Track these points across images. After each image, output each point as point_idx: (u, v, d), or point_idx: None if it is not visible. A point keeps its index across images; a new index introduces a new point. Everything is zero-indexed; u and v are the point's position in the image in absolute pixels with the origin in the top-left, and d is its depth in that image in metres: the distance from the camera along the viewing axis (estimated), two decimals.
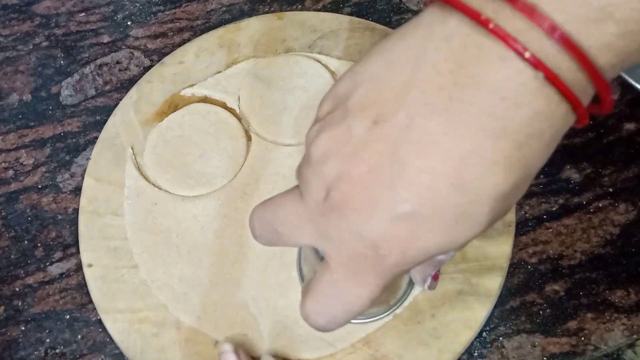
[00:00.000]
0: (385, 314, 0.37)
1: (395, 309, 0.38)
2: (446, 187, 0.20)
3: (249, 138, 0.44)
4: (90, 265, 0.40)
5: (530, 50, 0.19)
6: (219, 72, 0.46)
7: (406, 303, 0.38)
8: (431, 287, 0.30)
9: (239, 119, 0.44)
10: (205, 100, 0.46)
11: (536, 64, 0.19)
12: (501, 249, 0.39)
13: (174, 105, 0.45)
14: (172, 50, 0.48)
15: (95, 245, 0.41)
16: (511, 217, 0.40)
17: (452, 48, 0.20)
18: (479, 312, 0.38)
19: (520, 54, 0.19)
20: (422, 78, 0.21)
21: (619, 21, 0.19)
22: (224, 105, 0.45)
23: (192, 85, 0.46)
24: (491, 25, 0.19)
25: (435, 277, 0.30)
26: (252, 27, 0.48)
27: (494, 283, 0.38)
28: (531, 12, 0.19)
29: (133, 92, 0.46)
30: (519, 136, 0.20)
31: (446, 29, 0.21)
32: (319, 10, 0.50)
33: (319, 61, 0.46)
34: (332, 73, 0.46)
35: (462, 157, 0.20)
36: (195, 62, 0.47)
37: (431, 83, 0.21)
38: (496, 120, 0.20)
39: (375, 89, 0.22)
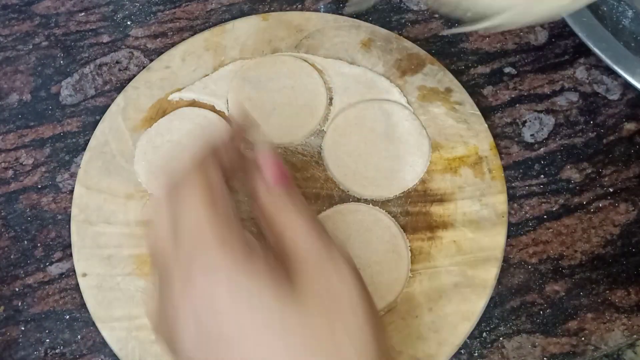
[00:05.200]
0: None
1: None
2: None
3: None
4: (84, 275, 0.40)
5: None
6: (207, 75, 0.46)
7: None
8: None
9: (228, 121, 0.44)
10: (193, 104, 0.45)
11: None
12: (495, 239, 0.39)
13: (162, 110, 0.45)
14: None
15: (89, 254, 0.40)
16: (504, 207, 0.40)
17: None
18: (476, 304, 0.38)
19: None
20: None
21: None
22: (212, 109, 0.45)
23: (179, 90, 0.46)
24: None
25: None
26: (238, 29, 0.48)
27: (489, 274, 0.38)
28: None
29: (120, 99, 0.46)
30: None
31: None
32: (319, 10, 0.50)
33: (306, 60, 0.46)
34: (320, 72, 0.46)
35: None
36: (182, 66, 0.47)
37: None
38: None
39: None
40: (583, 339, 0.38)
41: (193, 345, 0.24)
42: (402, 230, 0.40)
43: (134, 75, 0.47)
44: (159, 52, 0.49)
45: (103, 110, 0.46)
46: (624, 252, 0.41)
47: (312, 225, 0.27)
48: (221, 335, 0.24)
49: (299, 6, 0.51)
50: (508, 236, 0.40)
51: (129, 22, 0.51)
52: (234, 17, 0.50)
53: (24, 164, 0.45)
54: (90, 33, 0.50)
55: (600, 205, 0.42)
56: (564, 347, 0.38)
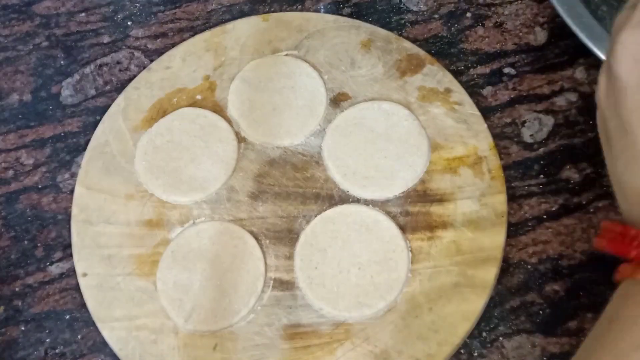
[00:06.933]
0: None
1: None
2: None
3: (239, 140, 0.44)
4: (84, 275, 0.40)
5: None
6: (207, 75, 0.46)
7: None
8: None
9: (228, 121, 0.44)
10: (193, 104, 0.46)
11: None
12: (495, 239, 0.39)
13: (162, 110, 0.45)
14: None
15: (89, 254, 0.41)
16: (503, 207, 0.40)
17: None
18: (475, 304, 0.38)
19: None
20: None
21: None
22: (212, 109, 0.45)
23: (179, 89, 0.46)
24: None
25: None
26: (238, 29, 0.48)
27: (489, 274, 0.38)
28: None
29: (120, 99, 0.46)
30: None
31: None
32: (319, 11, 0.50)
33: (306, 61, 0.46)
34: (319, 72, 0.46)
35: None
36: (182, 67, 0.47)
37: None
38: None
39: None
40: (583, 339, 0.38)
41: None
42: (402, 230, 0.40)
43: (135, 76, 0.47)
44: (159, 53, 0.49)
45: (103, 110, 0.46)
46: None
47: None
48: None
49: (299, 7, 0.51)
50: (508, 236, 0.40)
51: (129, 23, 0.51)
52: (234, 18, 0.50)
53: (24, 164, 0.45)
54: (90, 33, 0.50)
55: (600, 205, 0.42)
56: (564, 347, 0.38)
